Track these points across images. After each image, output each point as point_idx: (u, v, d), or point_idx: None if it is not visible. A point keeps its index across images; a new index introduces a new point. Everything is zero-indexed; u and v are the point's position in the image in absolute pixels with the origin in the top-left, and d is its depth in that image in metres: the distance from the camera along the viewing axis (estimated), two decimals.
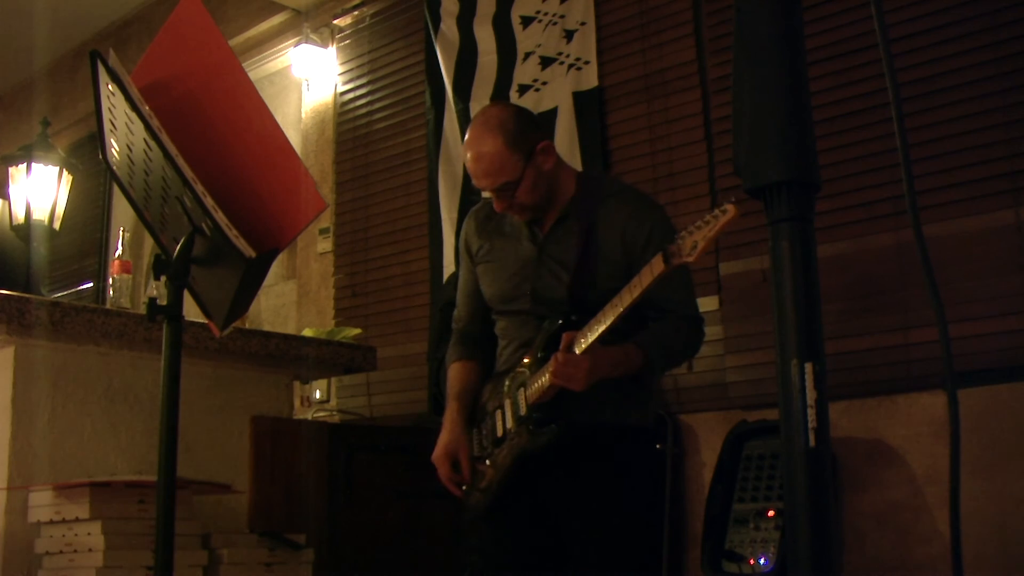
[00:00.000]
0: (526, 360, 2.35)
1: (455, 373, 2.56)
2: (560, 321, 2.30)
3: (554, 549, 2.35)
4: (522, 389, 2.33)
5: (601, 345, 2.19)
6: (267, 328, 4.75)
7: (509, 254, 2.45)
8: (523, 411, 2.32)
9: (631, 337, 2.27)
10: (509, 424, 2.35)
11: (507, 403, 2.37)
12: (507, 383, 2.39)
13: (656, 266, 2.09)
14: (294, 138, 5.39)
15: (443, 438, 2.45)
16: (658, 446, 3.58)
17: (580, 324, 2.24)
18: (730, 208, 2.00)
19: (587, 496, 2.31)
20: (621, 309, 2.14)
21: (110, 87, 1.73)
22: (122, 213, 6.35)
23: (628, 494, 2.34)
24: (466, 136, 2.39)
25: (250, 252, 1.61)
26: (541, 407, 2.29)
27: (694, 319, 2.40)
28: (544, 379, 2.25)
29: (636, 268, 2.23)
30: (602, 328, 2.16)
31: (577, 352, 2.19)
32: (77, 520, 2.57)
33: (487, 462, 2.40)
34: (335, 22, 5.48)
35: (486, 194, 2.42)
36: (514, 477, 2.35)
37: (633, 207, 2.39)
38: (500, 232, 2.50)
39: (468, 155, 2.36)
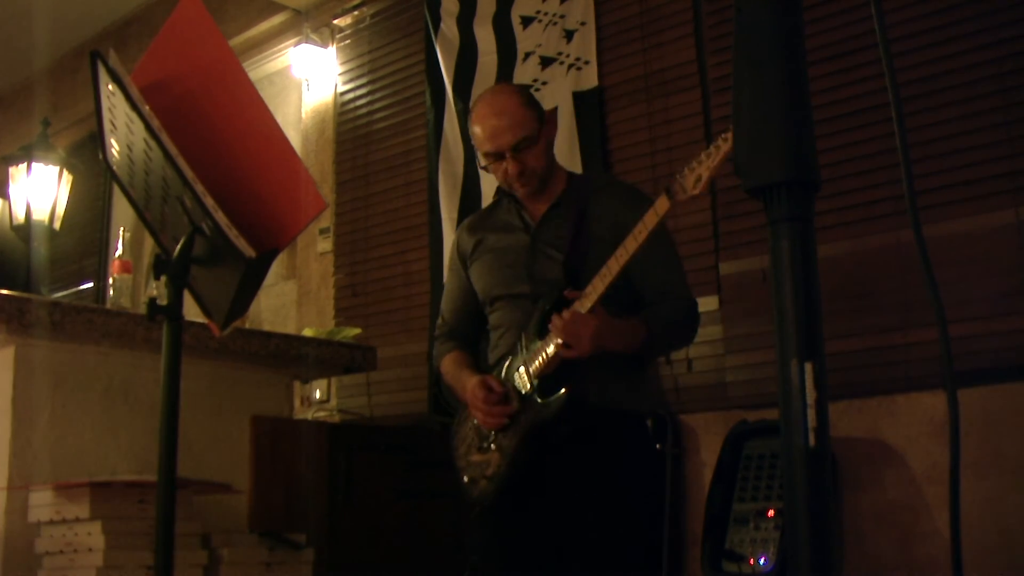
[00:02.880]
0: (523, 340, 2.34)
1: (452, 359, 2.55)
2: (555, 299, 2.29)
3: (556, 546, 2.31)
4: (522, 368, 2.32)
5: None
6: (267, 328, 4.76)
7: (503, 244, 2.48)
8: (526, 388, 2.30)
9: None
10: (513, 404, 2.32)
11: (508, 385, 2.34)
12: (504, 369, 2.38)
13: (661, 205, 2.09)
14: (294, 138, 5.39)
15: (470, 381, 2.40)
16: (658, 446, 3.57)
17: (574, 301, 2.24)
18: (729, 137, 1.96)
19: (585, 485, 2.28)
20: (625, 259, 2.14)
21: (110, 87, 1.73)
22: (122, 213, 6.34)
23: (626, 483, 2.31)
24: (476, 110, 2.44)
25: (250, 252, 1.61)
26: (545, 379, 2.27)
27: (691, 301, 2.41)
28: (548, 350, 2.24)
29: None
30: (604, 284, 2.17)
31: (582, 311, 2.19)
32: (77, 520, 2.57)
33: (492, 447, 2.36)
34: (335, 22, 5.48)
35: (485, 162, 2.43)
36: (522, 459, 2.31)
37: (624, 197, 2.45)
38: (493, 228, 2.53)
39: (486, 114, 2.40)
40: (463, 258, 2.58)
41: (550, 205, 2.45)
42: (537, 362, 2.28)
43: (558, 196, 2.45)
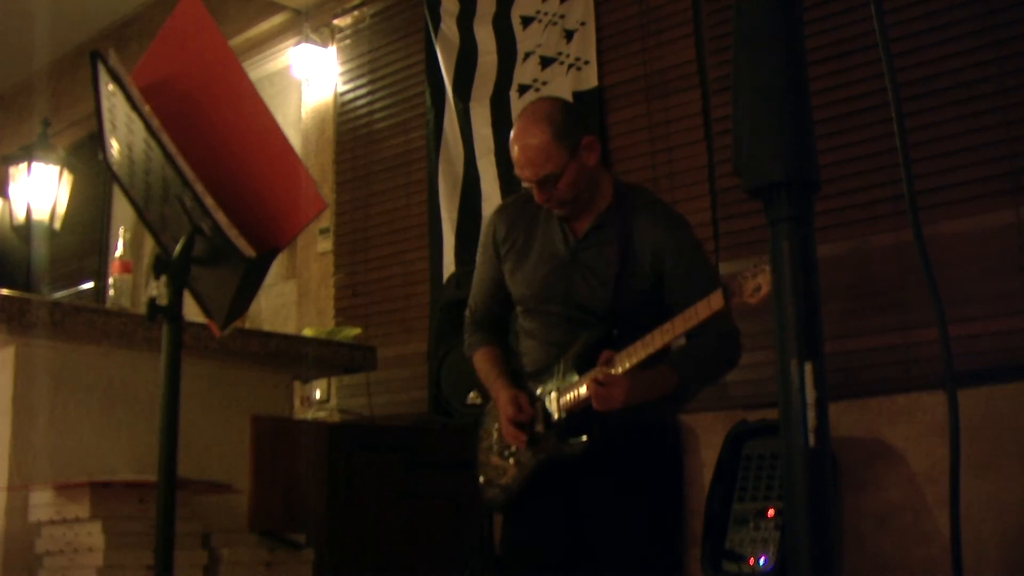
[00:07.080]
0: (560, 364, 2.37)
1: (486, 357, 2.54)
2: (600, 334, 2.32)
3: (573, 546, 2.36)
4: (555, 394, 2.35)
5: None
6: (267, 328, 4.75)
7: (541, 251, 2.44)
8: (555, 416, 2.34)
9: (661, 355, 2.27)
10: (538, 427, 2.36)
11: (537, 405, 2.39)
12: (539, 384, 2.41)
13: (715, 302, 2.10)
14: (294, 138, 5.39)
15: (503, 394, 2.40)
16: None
17: (619, 339, 2.26)
18: None
19: (610, 494, 2.33)
20: (670, 338, 2.16)
21: (110, 87, 1.73)
22: (122, 213, 6.35)
23: (651, 493, 2.37)
24: (515, 125, 2.39)
25: (250, 252, 1.61)
26: (573, 415, 2.32)
27: (732, 333, 2.39)
28: (580, 391, 2.27)
29: (667, 284, 2.29)
30: (646, 353, 2.18)
31: (617, 372, 2.22)
32: (77, 520, 2.57)
33: (511, 459, 2.41)
34: (335, 22, 5.47)
35: (526, 185, 2.41)
36: (536, 479, 2.38)
37: (664, 224, 2.39)
38: (533, 227, 2.47)
39: (517, 136, 2.36)
40: (496, 247, 2.51)
41: (592, 225, 2.40)
42: (569, 396, 2.32)
43: (602, 214, 2.40)
